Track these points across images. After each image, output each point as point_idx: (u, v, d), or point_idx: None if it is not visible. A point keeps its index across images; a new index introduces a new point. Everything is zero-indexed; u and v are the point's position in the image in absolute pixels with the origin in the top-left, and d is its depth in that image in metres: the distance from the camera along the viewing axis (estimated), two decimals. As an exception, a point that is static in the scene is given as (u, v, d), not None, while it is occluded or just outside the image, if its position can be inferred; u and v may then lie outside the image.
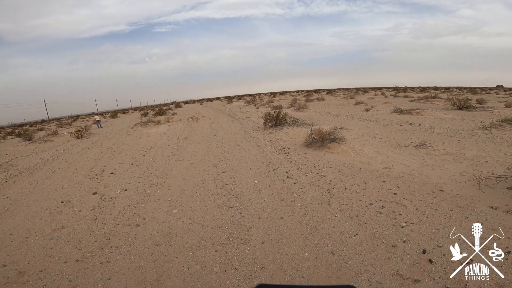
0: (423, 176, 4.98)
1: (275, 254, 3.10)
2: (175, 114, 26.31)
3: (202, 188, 5.35)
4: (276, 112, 12.74)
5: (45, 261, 3.29)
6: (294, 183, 5.22)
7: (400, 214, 3.70)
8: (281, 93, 70.29)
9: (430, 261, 2.75)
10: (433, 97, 22.06)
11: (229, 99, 59.34)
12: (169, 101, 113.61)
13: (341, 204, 4.17)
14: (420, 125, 10.04)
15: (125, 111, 63.21)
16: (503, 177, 4.35)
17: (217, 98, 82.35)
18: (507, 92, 36.33)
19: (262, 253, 3.15)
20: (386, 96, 28.31)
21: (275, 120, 11.92)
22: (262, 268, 2.90)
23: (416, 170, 5.32)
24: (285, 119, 12.09)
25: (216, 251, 3.26)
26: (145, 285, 2.77)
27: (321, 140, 7.50)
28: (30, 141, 15.44)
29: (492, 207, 3.65)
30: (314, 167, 6.07)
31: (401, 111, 13.43)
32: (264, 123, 12.47)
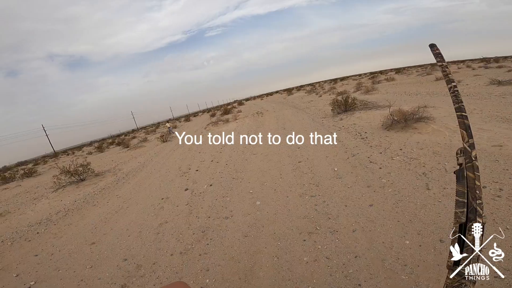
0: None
1: (369, 243, 2.93)
2: (240, 111, 27.50)
3: (281, 179, 5.44)
4: (343, 97, 12.03)
5: (156, 254, 3.73)
6: (380, 168, 4.84)
7: (527, 198, 3.05)
8: (342, 79, 65.80)
9: None
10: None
11: (289, 91, 58.71)
12: (231, 100, 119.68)
13: (444, 188, 3.66)
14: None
15: (195, 114, 69.49)
16: None
17: (276, 92, 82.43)
18: None
19: (354, 241, 3.01)
20: (473, 69, 23.59)
21: (344, 106, 11.28)
22: (356, 257, 2.76)
23: (539, 145, 4.29)
24: (355, 103, 11.32)
25: (304, 240, 3.25)
26: (239, 275, 2.91)
27: (404, 120, 6.73)
28: (128, 148, 18.54)
29: None
30: (401, 149, 5.50)
31: (499, 83, 11.04)
32: (332, 110, 11.94)
